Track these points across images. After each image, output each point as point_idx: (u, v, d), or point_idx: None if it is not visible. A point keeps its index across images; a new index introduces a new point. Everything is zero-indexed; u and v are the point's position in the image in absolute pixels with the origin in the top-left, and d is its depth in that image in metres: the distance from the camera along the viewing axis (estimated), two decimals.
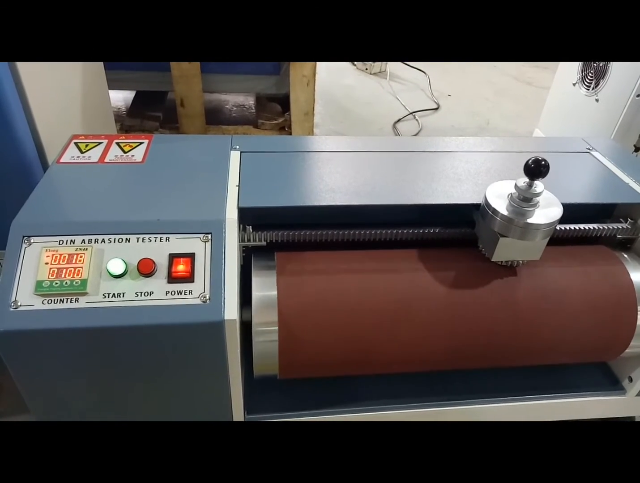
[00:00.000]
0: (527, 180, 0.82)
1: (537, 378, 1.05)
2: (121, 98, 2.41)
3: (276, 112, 2.25)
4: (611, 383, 1.07)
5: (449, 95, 3.01)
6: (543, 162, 0.79)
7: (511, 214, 0.82)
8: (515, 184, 0.83)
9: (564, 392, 1.03)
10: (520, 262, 0.90)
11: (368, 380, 1.02)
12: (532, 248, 0.85)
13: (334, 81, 3.07)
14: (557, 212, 0.84)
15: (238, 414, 0.89)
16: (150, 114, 2.13)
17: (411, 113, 2.75)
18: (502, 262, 0.90)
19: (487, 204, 0.85)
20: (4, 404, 1.17)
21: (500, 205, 0.84)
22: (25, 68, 0.93)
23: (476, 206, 0.91)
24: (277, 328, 0.84)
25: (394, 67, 3.23)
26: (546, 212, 0.83)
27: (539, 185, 0.82)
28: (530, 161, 0.80)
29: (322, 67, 2.97)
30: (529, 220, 0.81)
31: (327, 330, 0.86)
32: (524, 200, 0.82)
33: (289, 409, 0.96)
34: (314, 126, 2.22)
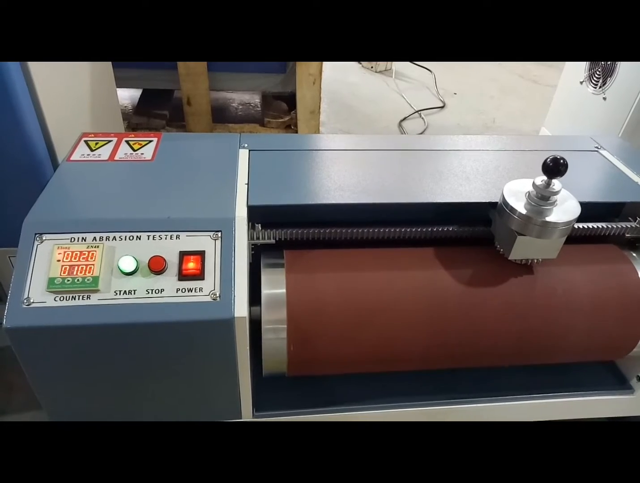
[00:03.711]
0: (545, 178, 0.82)
1: (544, 377, 1.05)
2: (128, 96, 2.41)
3: (282, 110, 2.24)
4: (619, 382, 1.07)
5: (455, 94, 3.00)
6: (562, 161, 0.79)
7: (529, 212, 0.82)
8: (533, 183, 0.83)
9: (571, 391, 1.03)
10: (537, 260, 0.90)
11: (376, 378, 1.01)
12: (549, 246, 0.85)
13: (339, 79, 3.06)
14: (575, 211, 0.83)
15: (247, 412, 0.89)
16: (157, 112, 2.13)
17: (417, 111, 2.74)
18: (518, 260, 0.89)
19: (504, 202, 0.85)
20: (15, 401, 1.18)
21: (518, 204, 0.84)
22: (37, 68, 0.93)
23: (492, 204, 0.91)
24: (285, 326, 0.84)
25: (400, 65, 3.22)
26: (564, 210, 0.83)
27: (557, 183, 0.82)
28: (549, 160, 0.79)
29: (327, 65, 2.95)
30: (547, 219, 0.81)
31: (335, 328, 0.86)
32: (542, 198, 0.82)
33: (297, 407, 0.96)
34: (320, 124, 2.22)
